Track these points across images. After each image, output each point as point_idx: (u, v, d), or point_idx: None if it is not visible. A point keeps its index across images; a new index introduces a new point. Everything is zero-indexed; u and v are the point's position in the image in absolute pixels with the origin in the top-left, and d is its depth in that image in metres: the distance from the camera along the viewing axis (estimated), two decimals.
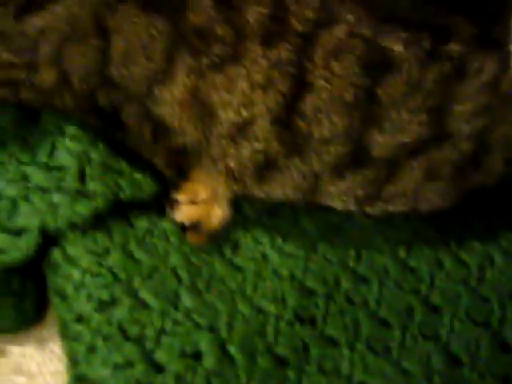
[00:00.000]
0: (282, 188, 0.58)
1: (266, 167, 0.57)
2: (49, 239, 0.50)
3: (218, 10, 0.54)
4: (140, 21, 0.54)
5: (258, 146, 0.56)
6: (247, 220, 0.60)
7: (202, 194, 0.59)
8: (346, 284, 0.57)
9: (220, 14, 0.54)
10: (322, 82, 0.53)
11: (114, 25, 0.55)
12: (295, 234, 0.60)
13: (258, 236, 0.59)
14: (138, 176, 0.57)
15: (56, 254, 0.50)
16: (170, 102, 0.55)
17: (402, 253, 0.58)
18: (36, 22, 0.56)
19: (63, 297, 0.49)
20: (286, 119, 0.55)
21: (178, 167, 0.60)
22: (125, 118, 0.58)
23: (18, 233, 0.49)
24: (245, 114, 0.55)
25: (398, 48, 0.54)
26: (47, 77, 0.57)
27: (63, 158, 0.54)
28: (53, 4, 0.55)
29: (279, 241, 0.59)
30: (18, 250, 0.49)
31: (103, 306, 0.49)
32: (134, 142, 0.59)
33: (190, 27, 0.54)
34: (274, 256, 0.57)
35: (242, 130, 0.55)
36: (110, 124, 0.59)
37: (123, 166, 0.57)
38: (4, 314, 0.51)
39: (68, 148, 0.55)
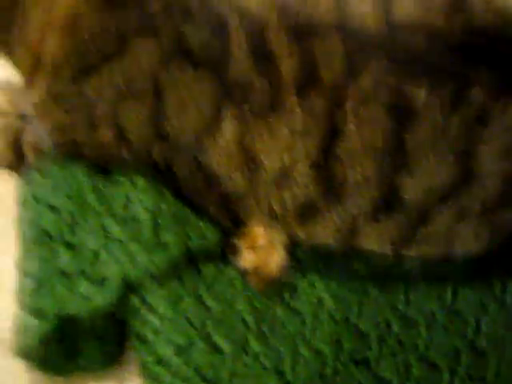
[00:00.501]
0: (323, 230, 0.61)
1: (307, 210, 0.61)
2: (129, 287, 0.54)
3: (254, 62, 0.59)
4: (189, 75, 0.59)
5: (299, 190, 0.59)
6: (303, 265, 0.64)
7: (260, 239, 0.62)
8: (396, 327, 0.60)
9: (256, 66, 0.59)
10: (353, 129, 0.57)
11: (166, 81, 0.59)
12: (348, 279, 0.63)
13: (314, 281, 0.62)
14: (202, 225, 0.61)
15: (136, 302, 0.53)
16: (218, 151, 0.60)
17: (448, 297, 0.62)
18: (93, 83, 0.60)
19: (143, 341, 0.53)
20: (323, 164, 0.58)
21: (232, 214, 0.64)
22: (177, 169, 0.62)
23: (101, 282, 0.53)
24: (286, 159, 0.59)
25: (422, 96, 0.57)
26: (105, 134, 0.61)
27: (137, 210, 0.58)
28: (109, 65, 0.60)
29: (333, 285, 0.62)
30: (102, 297, 0.52)
31: (181, 349, 0.52)
32: (189, 191, 0.63)
33: (232, 79, 0.59)
34: (329, 300, 0.61)
35: (283, 175, 0.59)
36: (164, 175, 0.64)
37: (189, 215, 0.61)
38: (88, 356, 0.55)
39: (141, 200, 0.58)
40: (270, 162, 0.59)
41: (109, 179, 0.61)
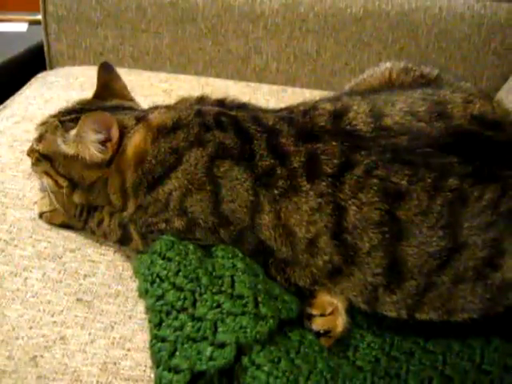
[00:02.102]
0: (351, 292, 0.76)
1: (335, 273, 0.75)
2: (240, 350, 0.70)
3: (274, 155, 0.76)
4: (234, 170, 0.76)
5: (325, 257, 0.74)
6: (362, 328, 0.80)
7: (328, 307, 0.77)
8: (437, 382, 0.74)
9: (276, 159, 0.76)
10: (354, 208, 0.72)
11: (216, 176, 0.76)
12: (398, 341, 0.79)
13: (371, 342, 0.78)
14: (287, 298, 0.77)
15: (246, 361, 0.69)
16: (265, 227, 0.76)
17: (477, 358, 0.78)
18: (165, 187, 0.78)
19: None
20: (339, 235, 0.73)
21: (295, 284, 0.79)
22: (244, 246, 0.78)
23: (221, 346, 0.69)
24: (312, 231, 0.74)
25: (405, 183, 0.71)
26: (178, 223, 0.79)
27: (241, 288, 0.73)
28: (174, 172, 0.78)
29: (387, 346, 0.78)
30: (223, 358, 0.68)
31: None
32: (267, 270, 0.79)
33: (261, 169, 0.76)
34: (383, 359, 0.77)
35: (313, 244, 0.74)
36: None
37: (276, 290, 0.78)
38: None
39: (243, 281, 0.74)
40: (301, 234, 0.74)
41: (214, 262, 0.78)
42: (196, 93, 1.21)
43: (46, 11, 1.47)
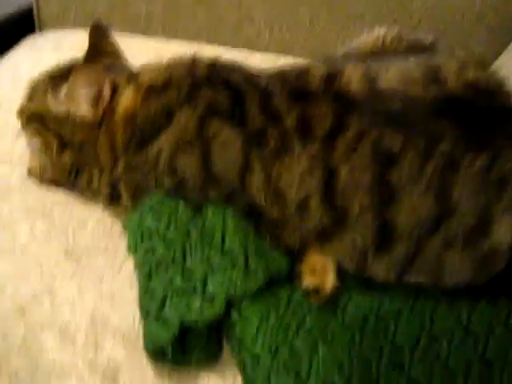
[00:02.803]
0: (340, 254, 0.76)
1: (324, 235, 0.75)
2: (230, 303, 0.70)
3: (265, 118, 0.76)
4: (224, 130, 0.76)
5: (316, 219, 0.74)
6: (351, 289, 0.79)
7: (317, 265, 0.77)
8: (424, 341, 0.73)
9: (268, 120, 0.75)
10: (345, 170, 0.72)
11: (207, 134, 0.76)
12: (386, 301, 0.78)
13: (360, 302, 0.77)
14: (276, 256, 0.77)
15: (235, 315, 0.69)
16: (255, 187, 0.76)
17: (464, 319, 0.76)
18: (155, 146, 0.78)
19: (243, 344, 0.68)
20: (329, 197, 0.73)
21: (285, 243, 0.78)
22: (234, 206, 0.77)
23: (210, 299, 0.69)
24: (302, 193, 0.74)
25: (398, 147, 0.71)
26: (168, 182, 0.78)
27: (231, 243, 0.73)
28: (164, 131, 0.77)
29: (375, 306, 0.78)
30: (212, 311, 0.67)
31: (272, 351, 0.67)
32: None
33: (253, 129, 0.76)
34: (372, 318, 0.77)
35: (303, 205, 0.74)
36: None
37: (267, 247, 0.77)
38: (198, 353, 0.69)
39: (233, 236, 0.74)
40: (292, 195, 0.74)
41: (205, 220, 0.77)
42: None
43: None
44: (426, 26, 1.44)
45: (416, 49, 0.88)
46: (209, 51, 1.32)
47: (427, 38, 0.90)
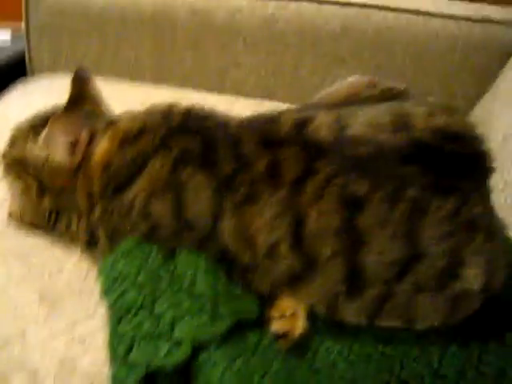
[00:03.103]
0: (311, 298, 0.76)
1: (295, 280, 0.75)
2: (198, 347, 0.71)
3: (236, 162, 0.77)
4: (197, 176, 0.77)
5: (286, 263, 0.74)
6: (322, 332, 0.79)
7: (288, 310, 0.77)
8: None
9: (238, 166, 0.76)
10: (314, 214, 0.72)
11: (180, 181, 0.77)
12: (357, 346, 0.78)
13: (330, 346, 0.78)
14: (247, 299, 0.77)
15: (202, 358, 0.70)
16: (227, 233, 0.76)
17: (435, 364, 0.77)
18: (129, 192, 0.79)
19: None
20: (299, 243, 0.73)
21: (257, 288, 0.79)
22: (206, 251, 0.78)
23: (178, 343, 0.70)
24: (272, 239, 0.74)
25: (364, 192, 0.71)
26: (142, 227, 0.80)
27: (201, 287, 0.74)
28: (139, 177, 0.79)
29: (345, 351, 0.78)
30: (179, 355, 0.68)
31: None
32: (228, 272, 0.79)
33: (223, 175, 0.77)
34: (341, 363, 0.77)
35: (273, 250, 0.74)
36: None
37: (237, 292, 0.78)
38: None
39: (203, 280, 0.75)
40: (261, 241, 0.74)
41: (179, 263, 0.79)
42: None
43: (29, 21, 1.48)
44: (408, 69, 1.47)
45: (388, 96, 0.90)
46: (195, 96, 1.37)
47: (400, 86, 0.92)
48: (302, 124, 0.77)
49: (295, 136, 0.76)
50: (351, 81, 0.95)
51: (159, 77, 1.50)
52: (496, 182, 0.98)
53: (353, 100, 0.91)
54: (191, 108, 0.89)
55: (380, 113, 0.78)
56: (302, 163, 0.74)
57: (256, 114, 0.84)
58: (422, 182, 0.71)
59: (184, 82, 1.49)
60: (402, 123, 0.75)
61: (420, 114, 0.77)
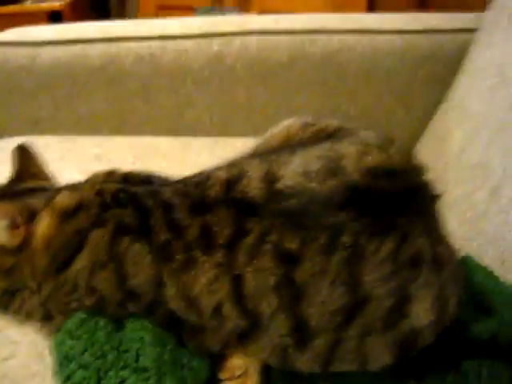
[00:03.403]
0: (262, 353, 0.77)
1: (244, 338, 0.76)
2: None
3: (169, 229, 0.77)
4: (134, 246, 0.78)
5: (231, 323, 0.75)
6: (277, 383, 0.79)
7: (237, 371, 0.78)
8: None
9: (171, 233, 0.77)
10: (250, 273, 0.72)
11: (119, 252, 0.78)
12: None
13: None
14: (195, 365, 0.79)
15: None
16: (171, 298, 0.77)
17: None
18: (72, 269, 0.80)
19: None
20: (240, 302, 0.73)
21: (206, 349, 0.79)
22: (155, 317, 0.79)
23: None
24: (214, 301, 0.74)
25: (297, 246, 0.71)
26: (88, 302, 0.80)
27: (145, 361, 0.74)
28: (79, 253, 0.80)
29: None
30: None
31: None
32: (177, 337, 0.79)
33: (159, 244, 0.77)
34: None
35: (217, 311, 0.74)
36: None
37: (185, 359, 0.79)
38: None
39: (148, 353, 0.75)
40: (205, 303, 0.75)
41: (124, 337, 0.79)
42: (127, 155, 1.25)
43: None
44: (362, 88, 1.50)
45: (322, 136, 0.90)
46: (151, 142, 1.38)
47: (332, 123, 0.92)
48: (231, 183, 0.78)
49: (224, 197, 0.77)
50: (286, 124, 0.96)
51: (115, 127, 1.51)
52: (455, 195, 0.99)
53: (288, 144, 0.91)
54: (128, 175, 0.90)
55: (311, 159, 0.78)
56: (233, 224, 0.74)
57: (187, 176, 0.84)
58: (356, 227, 0.71)
59: (140, 128, 1.50)
60: (332, 168, 0.76)
61: (351, 155, 0.77)
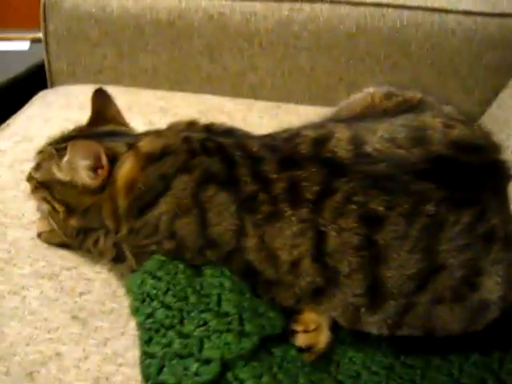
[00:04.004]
0: (333, 311, 0.79)
1: (318, 294, 0.78)
2: (225, 365, 0.73)
3: (257, 181, 0.79)
4: (219, 195, 0.79)
5: (308, 279, 0.77)
6: (344, 344, 0.83)
7: (311, 324, 0.80)
8: None
9: (258, 185, 0.79)
10: (334, 231, 0.74)
11: (203, 200, 0.80)
12: (379, 356, 0.81)
13: (353, 357, 0.81)
14: (271, 314, 0.80)
15: (230, 377, 0.72)
16: (251, 249, 0.79)
17: (456, 373, 0.80)
18: (154, 212, 0.82)
19: None
20: (320, 258, 0.76)
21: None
22: (231, 267, 0.81)
23: (206, 362, 0.72)
24: (294, 254, 0.77)
25: (383, 209, 0.73)
26: (168, 246, 0.83)
27: (227, 306, 0.77)
28: (163, 197, 0.82)
29: (368, 361, 0.81)
30: (208, 373, 0.71)
31: None
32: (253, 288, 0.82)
33: (245, 195, 0.79)
34: (364, 374, 0.80)
35: (295, 266, 0.77)
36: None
37: (262, 308, 0.81)
38: None
39: (229, 299, 0.78)
40: (284, 257, 0.77)
41: (203, 281, 0.81)
42: (191, 111, 1.26)
43: (47, 30, 1.51)
44: (424, 67, 1.47)
45: (405, 108, 0.90)
46: (213, 102, 1.39)
47: (416, 95, 0.93)
48: (320, 142, 0.79)
49: (314, 155, 0.78)
50: (368, 92, 0.96)
51: (177, 83, 1.52)
52: None
53: (369, 112, 0.92)
54: (211, 126, 0.91)
55: (396, 127, 0.79)
56: (322, 182, 0.75)
57: (275, 132, 0.85)
58: (438, 197, 0.73)
59: (201, 87, 1.51)
60: (418, 138, 0.77)
61: (437, 126, 0.78)
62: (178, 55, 1.48)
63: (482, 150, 0.79)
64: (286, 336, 0.80)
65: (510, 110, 1.33)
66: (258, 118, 1.33)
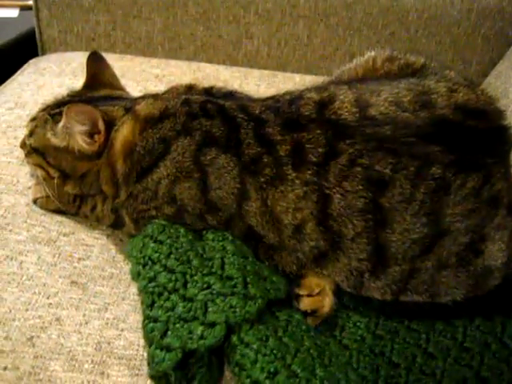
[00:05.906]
0: (337, 276, 0.78)
1: (321, 258, 0.77)
2: (230, 328, 0.72)
3: (259, 146, 0.78)
4: (220, 158, 0.78)
5: (312, 243, 0.76)
6: (348, 308, 0.82)
7: (315, 288, 0.79)
8: (419, 359, 0.76)
9: (262, 148, 0.77)
10: (338, 196, 0.74)
11: (204, 163, 0.78)
12: (383, 320, 0.81)
13: (357, 321, 0.80)
14: (275, 279, 0.80)
15: (235, 340, 0.72)
16: (252, 214, 0.78)
17: (460, 336, 0.80)
18: (154, 176, 0.80)
19: (242, 368, 0.69)
20: (324, 222, 0.75)
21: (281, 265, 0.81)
22: (233, 231, 0.80)
23: (211, 325, 0.71)
24: (298, 218, 0.76)
25: (388, 171, 0.72)
26: (168, 210, 0.81)
27: (231, 270, 0.76)
28: (162, 161, 0.80)
29: (372, 326, 0.81)
30: (213, 337, 0.70)
31: (270, 375, 0.69)
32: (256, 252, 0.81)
33: (247, 157, 0.78)
34: (369, 337, 0.80)
35: (299, 230, 0.76)
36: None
37: (265, 271, 0.80)
38: (199, 378, 0.71)
39: (232, 262, 0.76)
40: (288, 220, 0.76)
41: (204, 245, 0.80)
42: (187, 78, 1.23)
43: None
44: (422, 37, 1.46)
45: (407, 72, 0.89)
46: (209, 70, 1.36)
47: (418, 60, 0.91)
48: (323, 104, 0.77)
49: (318, 117, 0.76)
50: (370, 55, 0.94)
51: (171, 51, 1.49)
52: None
53: (372, 75, 0.90)
54: (211, 89, 0.89)
55: (401, 90, 0.77)
56: (326, 144, 0.74)
57: (277, 94, 0.83)
58: (444, 161, 0.72)
59: (196, 55, 1.48)
60: (423, 101, 0.76)
61: (441, 90, 0.77)
62: (172, 23, 1.45)
63: (487, 115, 0.78)
64: (289, 301, 0.79)
65: (508, 81, 1.32)
66: (255, 85, 1.31)
